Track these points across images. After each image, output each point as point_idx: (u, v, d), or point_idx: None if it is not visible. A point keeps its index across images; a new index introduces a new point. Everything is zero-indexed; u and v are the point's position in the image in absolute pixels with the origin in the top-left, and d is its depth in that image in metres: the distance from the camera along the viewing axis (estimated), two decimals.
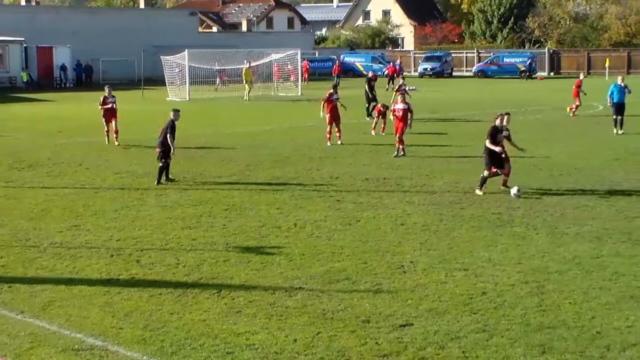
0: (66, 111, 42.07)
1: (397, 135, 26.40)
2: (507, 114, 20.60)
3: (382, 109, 31.97)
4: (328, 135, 29.99)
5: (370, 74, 40.91)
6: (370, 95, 38.17)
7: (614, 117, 32.36)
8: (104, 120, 30.59)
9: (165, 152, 21.99)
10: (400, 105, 26.65)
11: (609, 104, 33.06)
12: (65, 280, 13.36)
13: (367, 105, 38.32)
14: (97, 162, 26.26)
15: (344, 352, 10.17)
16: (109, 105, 30.21)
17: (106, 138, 30.45)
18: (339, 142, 29.73)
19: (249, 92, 54.61)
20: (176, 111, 22.74)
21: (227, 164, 25.51)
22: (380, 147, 28.36)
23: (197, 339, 10.65)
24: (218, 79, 64.21)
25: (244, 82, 54.90)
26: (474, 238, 15.84)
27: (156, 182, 21.87)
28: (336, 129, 29.96)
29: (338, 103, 30.26)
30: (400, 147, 26.47)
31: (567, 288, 12.59)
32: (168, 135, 21.92)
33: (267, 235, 16.29)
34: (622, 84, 32.54)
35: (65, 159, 26.85)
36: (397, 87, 36.06)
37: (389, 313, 11.55)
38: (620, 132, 31.97)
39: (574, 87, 40.82)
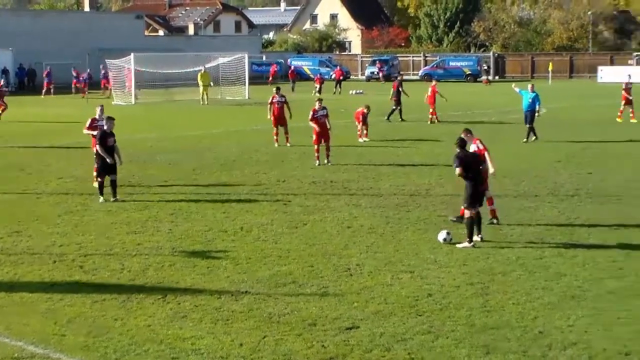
0: (7, 116, 41.41)
1: (325, 142, 26.01)
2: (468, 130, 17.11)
3: (366, 111, 31.55)
4: (275, 137, 30.28)
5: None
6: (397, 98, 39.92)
7: (528, 126, 31.19)
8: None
9: (103, 168, 19.97)
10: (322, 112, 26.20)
11: (537, 115, 31.49)
12: (5, 287, 13.14)
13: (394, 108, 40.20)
14: (40, 167, 25.91)
15: (291, 356, 10.15)
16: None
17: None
18: (287, 144, 29.80)
19: (207, 95, 53.86)
20: (109, 119, 20.34)
21: (173, 168, 25.35)
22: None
23: (142, 344, 10.54)
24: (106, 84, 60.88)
25: (200, 86, 54.13)
26: (419, 240, 15.93)
27: (112, 198, 19.99)
28: (284, 132, 30.04)
29: (285, 106, 30.27)
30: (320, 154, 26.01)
31: (511, 289, 12.73)
32: (98, 148, 19.83)
33: (213, 240, 16.21)
34: (532, 93, 31.17)
35: (6, 165, 26.43)
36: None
37: (335, 316, 11.56)
38: (526, 140, 30.95)
39: (429, 92, 39.56)
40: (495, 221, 17.05)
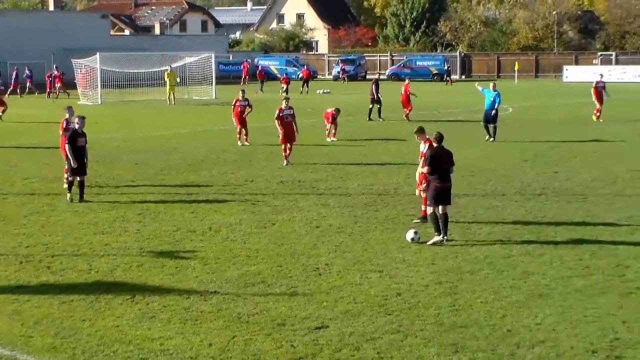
0: None
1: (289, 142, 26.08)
2: (421, 128, 17.32)
3: (335, 113, 31.66)
4: (238, 136, 30.85)
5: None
6: (375, 97, 40.22)
7: (492, 125, 31.30)
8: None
9: (74, 169, 19.61)
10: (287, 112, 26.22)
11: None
12: None
13: (370, 106, 40.57)
14: (5, 167, 25.64)
15: (260, 356, 10.14)
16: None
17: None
18: (247, 144, 30.45)
19: (173, 95, 53.56)
20: (81, 118, 19.96)
21: (141, 168, 25.21)
22: (295, 150, 28.35)
23: (110, 345, 10.47)
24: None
25: (167, 85, 53.84)
26: (388, 240, 15.97)
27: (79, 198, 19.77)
28: (244, 131, 30.86)
29: (247, 108, 30.91)
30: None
31: (479, 287, 12.80)
32: (67, 148, 19.52)
33: (181, 240, 16.14)
34: (494, 92, 31.09)
35: None
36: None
37: (304, 315, 11.55)
38: (493, 139, 31.00)
39: (403, 91, 40.00)
40: (418, 221, 17.15)
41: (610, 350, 10.19)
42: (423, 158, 16.30)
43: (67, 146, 19.58)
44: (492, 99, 31.06)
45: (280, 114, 25.86)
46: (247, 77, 75.43)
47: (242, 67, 79.63)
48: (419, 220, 17.17)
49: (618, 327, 10.97)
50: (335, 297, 12.38)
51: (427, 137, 16.73)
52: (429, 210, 15.75)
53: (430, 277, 13.36)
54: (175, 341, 10.61)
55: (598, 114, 39.26)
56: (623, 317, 11.35)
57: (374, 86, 40.67)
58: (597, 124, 37.98)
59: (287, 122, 25.85)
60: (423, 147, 16.75)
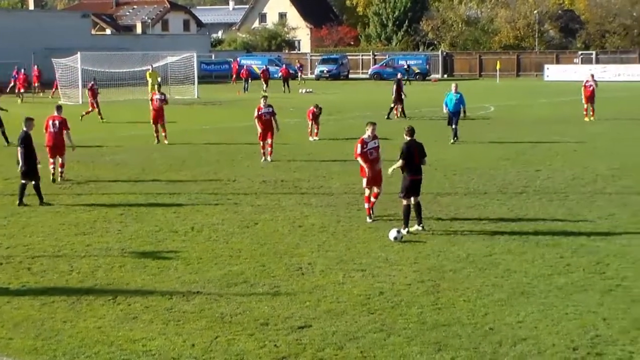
0: None
1: (269, 139, 26.41)
2: (373, 123, 17.75)
3: (316, 110, 31.69)
4: (155, 134, 31.49)
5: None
6: (396, 96, 40.66)
7: (451, 126, 30.72)
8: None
9: (25, 171, 19.38)
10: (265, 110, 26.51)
11: (444, 111, 31.21)
12: None
13: (392, 105, 40.77)
14: None
15: (243, 356, 10.13)
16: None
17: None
18: (165, 142, 30.98)
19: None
20: (29, 120, 19.86)
21: (122, 168, 25.13)
22: (278, 149, 28.34)
23: (92, 346, 10.43)
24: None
25: (149, 85, 53.66)
26: (370, 239, 15.99)
27: (18, 202, 19.49)
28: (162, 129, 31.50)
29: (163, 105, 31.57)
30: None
31: (462, 286, 12.83)
32: (19, 150, 19.40)
33: (163, 240, 16.10)
34: (456, 93, 30.70)
35: None
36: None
37: (287, 315, 11.55)
38: (453, 141, 30.38)
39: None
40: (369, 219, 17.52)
41: (591, 347, 10.25)
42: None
43: (18, 149, 19.47)
44: (456, 101, 30.56)
45: (259, 113, 26.29)
46: (235, 76, 75.19)
47: (231, 66, 79.38)
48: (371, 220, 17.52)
49: (599, 324, 11.03)
50: (318, 297, 12.38)
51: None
52: (403, 202, 16.27)
53: (413, 276, 13.39)
54: (158, 342, 10.58)
55: (587, 113, 39.36)
56: (603, 314, 11.42)
57: (395, 86, 41.07)
58: (578, 122, 38.12)
59: (266, 120, 26.28)
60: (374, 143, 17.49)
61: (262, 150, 26.47)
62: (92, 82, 43.06)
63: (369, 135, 17.41)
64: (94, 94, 41.39)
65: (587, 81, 39.72)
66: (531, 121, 39.28)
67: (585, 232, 16.27)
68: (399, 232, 15.75)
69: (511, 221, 17.39)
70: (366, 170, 17.22)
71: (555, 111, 44.64)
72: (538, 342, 10.43)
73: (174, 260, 14.51)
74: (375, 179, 17.34)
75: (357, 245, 15.52)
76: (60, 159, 22.89)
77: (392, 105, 40.95)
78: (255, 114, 26.42)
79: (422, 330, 10.89)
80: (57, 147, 22.71)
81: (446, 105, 31.08)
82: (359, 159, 17.30)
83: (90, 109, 40.66)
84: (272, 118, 26.44)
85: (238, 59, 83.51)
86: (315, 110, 31.61)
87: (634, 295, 12.29)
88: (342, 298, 12.31)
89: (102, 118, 40.52)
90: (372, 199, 17.69)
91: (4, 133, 30.76)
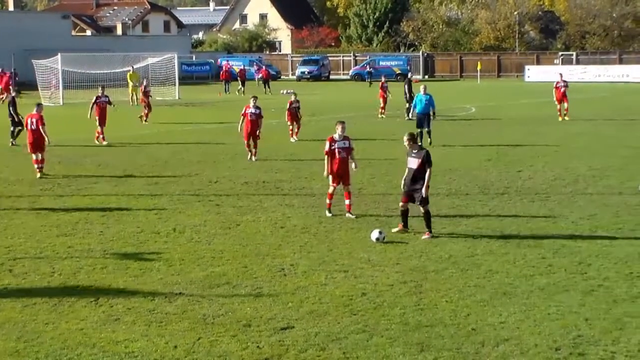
0: None
1: (253, 140, 26.72)
2: (342, 122, 17.92)
3: (293, 98, 31.91)
4: (98, 135, 31.63)
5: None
6: (409, 96, 40.33)
7: (427, 129, 29.92)
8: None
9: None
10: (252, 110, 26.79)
11: (411, 117, 30.39)
12: None
13: (407, 105, 40.32)
14: None
15: (225, 357, 10.11)
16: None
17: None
18: (104, 143, 31.19)
19: (136, 96, 53.12)
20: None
21: (104, 169, 25.03)
22: (259, 150, 28.32)
23: (74, 348, 10.38)
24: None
25: (130, 86, 53.43)
26: (353, 240, 16.00)
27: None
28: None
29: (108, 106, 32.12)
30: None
31: (444, 287, 12.86)
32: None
33: (145, 241, 16.05)
34: (425, 94, 30.18)
35: None
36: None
37: (269, 316, 11.54)
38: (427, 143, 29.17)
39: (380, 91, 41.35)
40: (349, 215, 17.84)
41: (573, 347, 10.30)
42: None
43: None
44: (425, 102, 30.06)
45: (246, 112, 26.61)
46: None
47: (222, 67, 79.05)
48: (353, 216, 17.80)
49: (580, 324, 11.09)
50: (301, 298, 12.38)
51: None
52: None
53: (395, 277, 13.41)
54: (140, 343, 10.54)
55: (560, 113, 39.73)
56: (585, 315, 11.48)
57: (406, 86, 41.41)
58: (559, 122, 38.33)
59: (252, 120, 26.52)
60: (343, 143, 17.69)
61: (247, 149, 26.83)
62: (144, 84, 42.28)
63: (339, 135, 17.68)
64: (147, 94, 40.82)
65: (557, 82, 40.37)
66: (512, 121, 39.44)
67: (567, 233, 16.36)
68: (380, 233, 15.76)
69: (493, 222, 17.45)
70: (326, 167, 17.66)
71: (536, 112, 44.83)
72: (520, 343, 10.47)
73: (156, 262, 14.47)
74: (341, 177, 17.69)
75: (340, 246, 15.53)
76: (40, 155, 23.85)
77: (407, 105, 41.09)
78: (242, 111, 26.92)
79: (404, 331, 10.91)
80: (37, 144, 23.86)
81: (414, 108, 30.79)
82: (325, 156, 17.64)
83: (146, 110, 40.00)
84: (258, 120, 26.65)
85: (227, 60, 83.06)
86: (292, 102, 31.59)
87: (615, 295, 12.37)
88: (324, 299, 12.31)
89: (145, 120, 39.88)
90: (346, 201, 17.97)
91: (16, 132, 30.76)
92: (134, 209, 19.12)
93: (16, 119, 29.99)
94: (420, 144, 28.93)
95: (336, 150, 17.53)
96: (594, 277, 13.30)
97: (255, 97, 27.26)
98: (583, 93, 54.90)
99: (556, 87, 40.31)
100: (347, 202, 18.02)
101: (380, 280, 13.24)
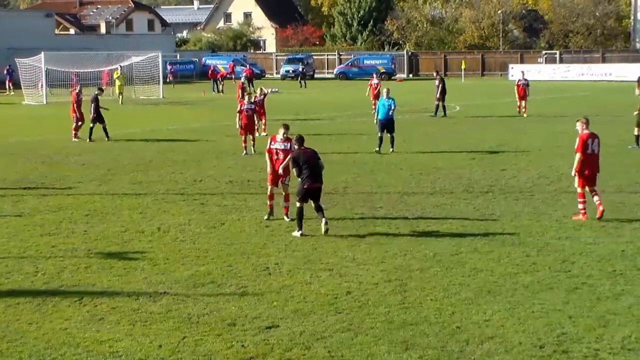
0: None
1: (250, 134, 27.52)
2: (286, 125, 17.76)
3: (260, 92, 32.18)
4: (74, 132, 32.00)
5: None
6: (441, 93, 41.14)
7: (379, 134, 27.95)
8: None
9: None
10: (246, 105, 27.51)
11: (375, 122, 28.83)
12: None
13: (437, 103, 41.37)
14: None
15: (210, 356, 10.10)
16: None
17: None
18: (75, 140, 31.75)
19: (122, 95, 53.08)
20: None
21: (88, 169, 24.94)
22: (240, 150, 28.30)
23: (58, 348, 10.34)
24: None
25: (117, 85, 53.27)
26: (338, 238, 16.00)
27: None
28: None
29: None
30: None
31: (429, 285, 12.89)
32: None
33: (130, 241, 16.00)
34: (388, 99, 28.24)
35: None
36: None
37: (254, 315, 11.53)
38: (390, 150, 27.78)
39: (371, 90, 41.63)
40: (286, 218, 17.58)
41: (557, 345, 10.34)
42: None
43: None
44: (388, 106, 28.21)
45: (242, 108, 27.42)
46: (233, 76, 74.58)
47: (228, 66, 79.02)
48: (266, 218, 17.71)
49: (564, 322, 11.13)
50: (286, 297, 12.37)
51: None
52: (297, 204, 16.35)
53: (380, 275, 13.42)
54: (125, 343, 10.51)
55: (520, 110, 41.55)
56: (569, 312, 11.52)
57: (441, 85, 41.48)
58: (543, 121, 38.47)
59: (248, 115, 27.28)
60: (284, 145, 17.38)
61: (243, 145, 27.52)
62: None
63: (280, 138, 17.47)
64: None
65: (519, 80, 42.31)
66: (496, 120, 39.57)
67: (551, 231, 16.42)
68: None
69: (477, 220, 17.49)
70: (268, 167, 17.60)
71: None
72: (505, 341, 10.50)
73: (141, 261, 14.43)
74: (276, 179, 17.51)
75: (324, 244, 15.53)
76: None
77: (439, 102, 41.41)
78: (238, 108, 27.66)
79: (389, 330, 10.92)
80: None
81: (377, 113, 28.68)
82: (267, 153, 17.65)
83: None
84: (254, 115, 27.63)
85: (232, 60, 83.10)
86: (257, 96, 31.06)
87: (599, 293, 12.43)
88: (309, 298, 12.31)
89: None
90: (284, 203, 17.66)
91: (105, 129, 31.96)
92: (118, 208, 19.07)
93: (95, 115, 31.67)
94: (378, 149, 28.04)
95: (275, 150, 17.43)
96: (578, 275, 13.36)
97: (249, 94, 28.06)
98: (567, 91, 55.10)
99: (517, 85, 41.87)
100: (284, 204, 17.68)
101: (365, 279, 13.25)
